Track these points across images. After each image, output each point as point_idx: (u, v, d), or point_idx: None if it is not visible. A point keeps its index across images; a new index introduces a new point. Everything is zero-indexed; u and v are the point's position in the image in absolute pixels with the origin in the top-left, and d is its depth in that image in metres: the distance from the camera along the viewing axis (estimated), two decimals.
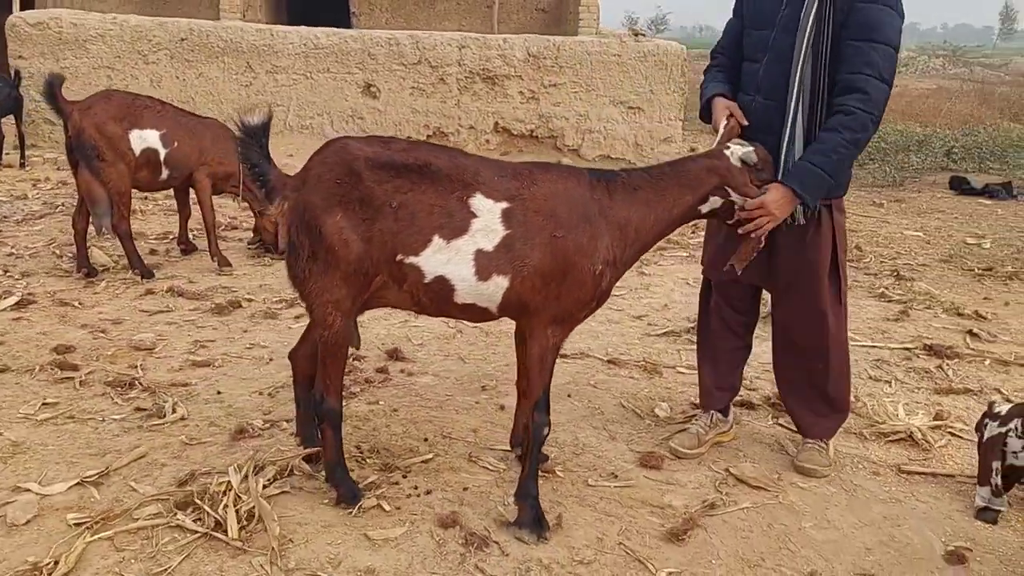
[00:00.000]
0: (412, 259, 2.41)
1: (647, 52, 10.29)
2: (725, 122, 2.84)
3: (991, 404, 2.86)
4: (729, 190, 2.62)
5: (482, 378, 3.75)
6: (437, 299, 2.49)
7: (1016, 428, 2.68)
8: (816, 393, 3.03)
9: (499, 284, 2.42)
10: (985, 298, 5.39)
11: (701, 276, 3.28)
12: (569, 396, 3.60)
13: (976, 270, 6.02)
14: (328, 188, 2.39)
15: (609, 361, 4.02)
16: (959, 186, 9.27)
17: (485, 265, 2.40)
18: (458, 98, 10.24)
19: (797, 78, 2.70)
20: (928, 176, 10.14)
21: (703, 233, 3.37)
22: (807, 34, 2.68)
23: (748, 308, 3.17)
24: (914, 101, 16.84)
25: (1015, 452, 2.69)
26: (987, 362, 4.18)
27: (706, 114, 3.00)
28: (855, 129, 2.62)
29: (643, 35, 10.78)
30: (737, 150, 2.65)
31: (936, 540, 2.61)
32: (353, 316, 2.56)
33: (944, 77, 27.16)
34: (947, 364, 4.11)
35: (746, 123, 2.84)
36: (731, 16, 3.09)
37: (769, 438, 3.28)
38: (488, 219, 2.40)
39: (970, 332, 4.61)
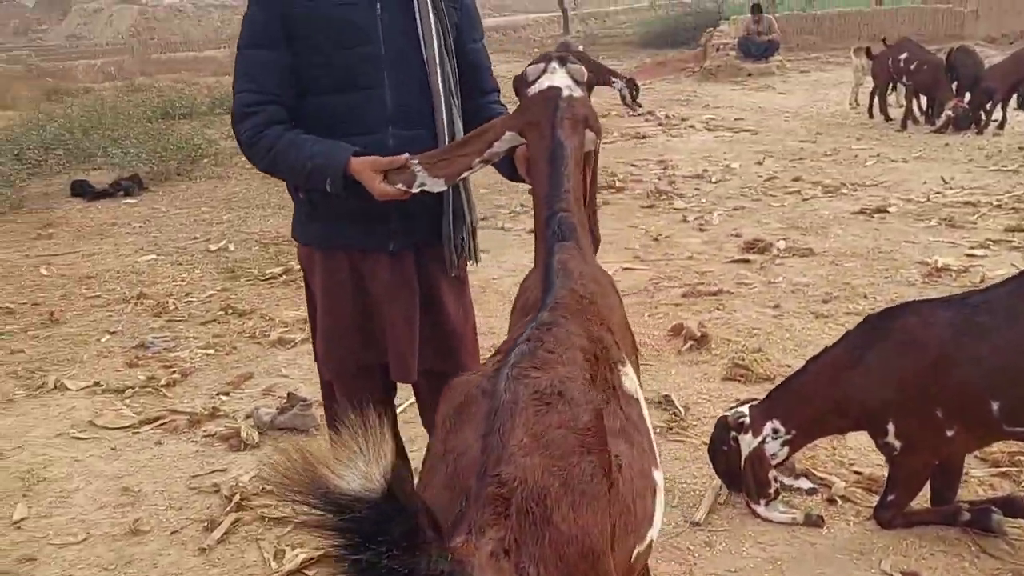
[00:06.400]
0: None
1: None
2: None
3: (728, 418, 2.62)
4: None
5: None
6: None
7: (771, 433, 2.53)
8: None
9: None
10: None
11: None
12: None
13: None
14: None
15: None
16: (85, 191, 8.18)
17: None
18: None
19: (442, 96, 2.06)
20: (34, 187, 8.57)
21: None
22: (435, 43, 2.04)
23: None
24: None
25: (774, 455, 2.56)
26: None
27: (341, 185, 1.91)
28: None
29: None
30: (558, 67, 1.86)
31: None
32: None
33: None
34: None
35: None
36: (250, 47, 2.00)
37: None
38: None
39: None
